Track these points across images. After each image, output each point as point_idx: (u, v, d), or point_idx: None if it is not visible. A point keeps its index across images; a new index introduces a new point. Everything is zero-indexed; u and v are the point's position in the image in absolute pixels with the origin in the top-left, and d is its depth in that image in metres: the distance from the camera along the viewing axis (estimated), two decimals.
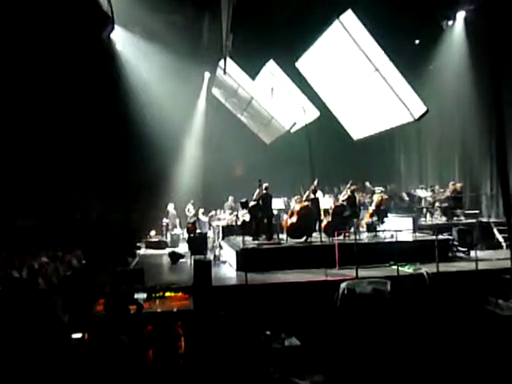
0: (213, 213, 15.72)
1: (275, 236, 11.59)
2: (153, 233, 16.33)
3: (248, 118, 19.59)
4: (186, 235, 13.96)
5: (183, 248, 13.56)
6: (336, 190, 15.36)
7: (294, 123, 17.18)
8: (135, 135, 15.77)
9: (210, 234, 13.77)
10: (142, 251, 14.39)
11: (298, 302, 8.41)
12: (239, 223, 12.83)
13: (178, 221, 16.56)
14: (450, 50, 14.26)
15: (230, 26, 11.12)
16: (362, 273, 9.22)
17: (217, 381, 6.07)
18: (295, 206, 11.83)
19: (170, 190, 17.93)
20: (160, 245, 14.83)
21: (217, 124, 18.84)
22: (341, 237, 11.08)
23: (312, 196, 11.73)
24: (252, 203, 11.58)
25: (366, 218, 12.43)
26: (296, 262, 10.21)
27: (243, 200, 11.74)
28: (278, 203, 12.81)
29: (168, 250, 13.11)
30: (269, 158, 18.08)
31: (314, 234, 11.70)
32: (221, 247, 12.53)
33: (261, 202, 11.48)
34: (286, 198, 14.47)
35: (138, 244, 14.70)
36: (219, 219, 14.76)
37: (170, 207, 16.42)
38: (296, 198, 12.95)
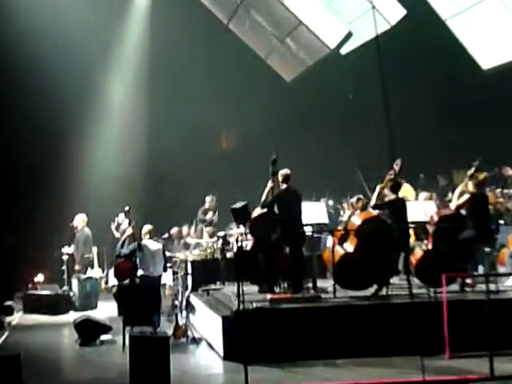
0: (174, 231, 15.69)
1: (308, 284, 10.67)
2: (40, 277, 15.81)
3: (245, 27, 18.86)
4: (112, 281, 13.73)
5: (107, 310, 13.37)
6: (441, 181, 15.32)
7: (349, 35, 17.24)
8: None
9: (167, 278, 13.10)
10: (17, 317, 13.55)
11: None
12: (229, 255, 12.58)
13: (94, 250, 15.26)
14: None
15: None
16: (506, 367, 8.23)
17: None
18: (354, 219, 11.14)
19: (78, 190, 17.55)
20: (56, 303, 13.86)
21: (176, 42, 17.77)
22: (455, 286, 10.29)
23: (389, 195, 10.65)
24: (257, 211, 10.80)
25: (510, 245, 11.38)
26: (352, 340, 9.20)
27: (237, 205, 10.42)
28: (313, 211, 11.47)
29: (74, 316, 12.05)
30: (290, 112, 17.72)
31: (394, 280, 10.98)
32: (190, 308, 11.55)
33: (276, 208, 10.39)
34: (329, 201, 14.81)
35: (8, 303, 13.66)
36: (186, 247, 14.87)
37: (79, 222, 14.72)
38: (354, 199, 12.16)
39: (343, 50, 17.98)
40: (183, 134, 18.13)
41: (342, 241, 10.96)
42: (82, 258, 14.82)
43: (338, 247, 10.81)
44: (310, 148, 16.50)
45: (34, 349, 10.50)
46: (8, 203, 17.51)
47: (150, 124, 18.75)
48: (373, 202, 10.87)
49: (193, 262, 13.15)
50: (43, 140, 17.16)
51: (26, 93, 16.56)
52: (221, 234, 13.81)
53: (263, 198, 10.69)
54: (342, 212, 14.92)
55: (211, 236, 14.73)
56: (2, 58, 16.45)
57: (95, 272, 15.28)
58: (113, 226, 16.40)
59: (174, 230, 15.82)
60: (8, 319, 13.03)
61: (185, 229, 16.16)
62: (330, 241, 12.49)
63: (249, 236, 11.87)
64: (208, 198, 15.66)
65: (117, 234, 16.09)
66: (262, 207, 10.74)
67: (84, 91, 17.79)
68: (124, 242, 13.14)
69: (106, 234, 16.39)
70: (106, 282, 15.74)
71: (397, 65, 16.22)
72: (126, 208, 12.31)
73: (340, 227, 12.58)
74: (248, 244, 11.97)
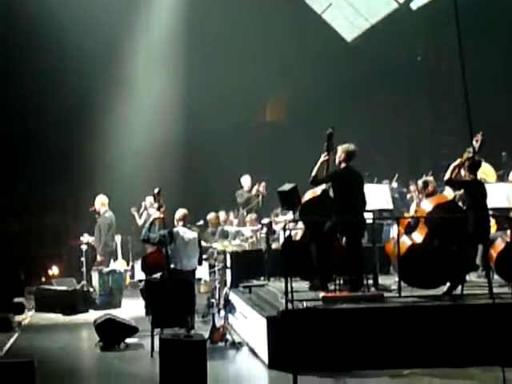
0: (210, 217, 15.78)
1: (368, 280, 10.60)
2: (55, 270, 16.36)
3: None
4: (139, 275, 13.96)
5: (132, 309, 13.64)
6: None
7: None
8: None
9: (203, 272, 13.18)
10: (29, 317, 13.66)
11: None
12: (275, 246, 12.97)
13: (118, 239, 15.66)
14: None
15: None
16: None
17: None
18: (423, 204, 11.07)
19: (101, 170, 18.25)
20: (74, 300, 14.02)
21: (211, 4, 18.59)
22: None
23: (466, 176, 10.59)
24: (309, 194, 10.85)
25: None
26: (420, 347, 9.18)
27: (285, 187, 11.05)
28: (375, 195, 11.55)
29: (94, 316, 12.20)
30: (349, 78, 18.15)
31: (471, 277, 11.14)
32: (229, 307, 11.60)
33: (332, 190, 10.48)
34: (394, 183, 14.71)
35: (18, 299, 13.87)
36: (224, 236, 14.97)
37: (99, 204, 15.00)
38: (420, 182, 12.07)
39: (414, 5, 18.07)
40: (223, 106, 18.59)
41: (409, 230, 10.96)
42: (104, 248, 14.78)
43: (404, 237, 10.78)
44: (372, 119, 17.01)
45: (48, 354, 10.60)
46: (12, 183, 18.11)
47: (184, 96, 19.07)
48: (447, 176, 10.65)
49: (232, 254, 13.10)
50: (65, 116, 17.78)
51: (49, 65, 17.20)
52: (265, 221, 13.84)
53: (313, 172, 10.64)
54: (408, 196, 14.85)
55: (254, 223, 14.77)
56: (29, 30, 17.16)
57: (119, 264, 15.46)
58: (134, 210, 16.98)
59: (211, 216, 15.85)
60: (18, 319, 13.06)
61: (223, 214, 16.52)
62: (394, 230, 12.53)
63: (298, 223, 11.88)
64: (245, 179, 15.69)
65: (139, 221, 16.84)
66: (312, 182, 10.66)
67: (109, 61, 18.33)
68: (151, 226, 12.95)
69: (132, 221, 16.98)
70: (132, 277, 15.81)
71: (477, 24, 16.02)
72: (156, 190, 12.18)
73: (407, 214, 12.37)
74: (297, 233, 11.81)
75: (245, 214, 15.62)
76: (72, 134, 18.67)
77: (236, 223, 16.14)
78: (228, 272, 12.96)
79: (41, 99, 18.21)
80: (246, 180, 15.79)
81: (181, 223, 12.56)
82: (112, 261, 15.40)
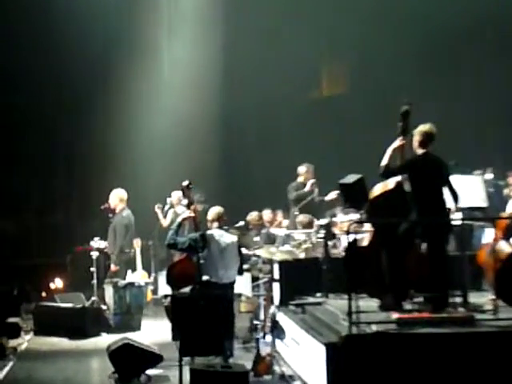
0: (252, 218, 15.68)
1: (454, 298, 10.50)
2: (59, 282, 16.68)
3: None
4: (163, 290, 13.03)
5: (155, 332, 13.72)
6: None
7: None
8: None
9: (243, 286, 12.63)
10: (26, 341, 13.63)
11: None
12: (335, 253, 12.89)
13: (137, 244, 15.70)
14: None
15: None
16: None
17: None
18: None
19: (118, 162, 18.69)
20: (82, 321, 14.02)
21: None
22: None
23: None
24: (378, 188, 10.70)
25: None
26: None
27: (348, 179, 11.06)
28: (465, 189, 11.33)
29: (107, 340, 12.33)
30: (428, 39, 18.54)
31: None
32: (277, 331, 11.61)
33: (408, 183, 10.41)
34: (488, 174, 14.96)
35: (13, 319, 13.86)
36: (271, 240, 15.03)
37: (115, 200, 15.14)
38: None
39: None
40: (269, 79, 18.93)
41: (508, 234, 10.70)
42: (120, 255, 14.79)
43: (501, 243, 10.61)
44: (460, 92, 17.11)
45: None
46: (5, 175, 18.50)
47: (221, 68, 19.50)
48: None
49: (281, 264, 12.91)
50: (70, 94, 18.45)
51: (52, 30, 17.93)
52: (323, 221, 13.68)
53: (384, 160, 10.51)
54: (505, 191, 15.03)
55: (309, 225, 14.45)
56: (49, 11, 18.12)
57: (139, 276, 15.37)
58: (158, 208, 16.91)
59: (253, 217, 15.78)
60: (13, 343, 13.05)
61: (268, 214, 16.28)
62: (489, 234, 12.29)
63: (365, 225, 11.88)
64: (302, 169, 15.59)
65: (164, 221, 16.86)
66: (383, 174, 10.55)
67: (124, 25, 18.97)
68: (179, 227, 12.92)
69: (155, 222, 16.93)
70: (155, 291, 15.64)
71: None
72: (185, 183, 11.91)
73: (504, 213, 12.26)
74: (364, 237, 11.76)
75: (297, 213, 15.25)
76: (79, 115, 18.83)
77: (286, 224, 15.94)
78: (276, 286, 12.82)
79: (42, 72, 18.69)
80: (303, 169, 15.67)
81: (216, 224, 12.23)
82: (130, 271, 15.31)
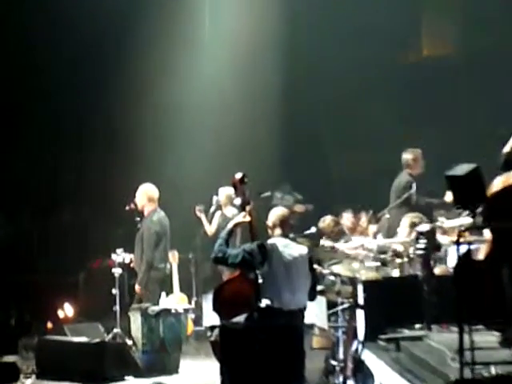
0: (326, 224, 15.62)
1: None
2: (68, 309, 16.93)
3: None
4: (209, 319, 13.01)
5: (198, 375, 14.06)
6: None
7: None
8: None
9: (316, 314, 12.61)
10: None
11: None
12: (439, 270, 13.07)
13: (174, 257, 16.07)
14: None
15: None
16: None
17: None
18: None
19: (142, 144, 19.68)
20: (100, 361, 14.05)
21: None
22: None
23: None
24: (499, 183, 10.79)
25: None
26: None
27: (458, 170, 10.92)
28: None
29: None
30: None
31: None
32: (363, 374, 11.89)
33: None
34: None
35: (9, 358, 14.32)
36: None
37: (143, 199, 15.36)
38: None
39: None
40: (352, 39, 19.78)
41: None
42: (150, 272, 14.90)
43: None
44: None
45: None
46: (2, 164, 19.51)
47: (285, 30, 20.35)
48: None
49: (368, 284, 12.85)
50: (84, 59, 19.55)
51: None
52: (424, 227, 13.50)
53: (508, 146, 10.74)
54: None
55: (408, 232, 14.25)
56: None
57: (176, 300, 15.76)
58: (200, 210, 17.11)
59: (328, 222, 15.58)
60: None
61: (349, 217, 16.60)
62: None
63: (482, 232, 11.56)
64: (408, 156, 15.71)
65: (209, 227, 17.20)
66: (506, 164, 10.67)
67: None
68: (230, 235, 12.95)
69: (197, 229, 17.40)
70: (197, 321, 15.91)
71: None
72: (238, 175, 11.69)
73: None
74: (480, 248, 11.45)
75: (388, 215, 15.34)
76: (93, 89, 19.28)
77: (373, 231, 15.83)
78: (360, 314, 12.60)
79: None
80: (410, 156, 15.68)
81: (279, 231, 12.11)
82: (164, 294, 15.04)
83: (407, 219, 14.28)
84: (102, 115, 19.95)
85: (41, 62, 19.61)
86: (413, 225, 14.07)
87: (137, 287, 14.80)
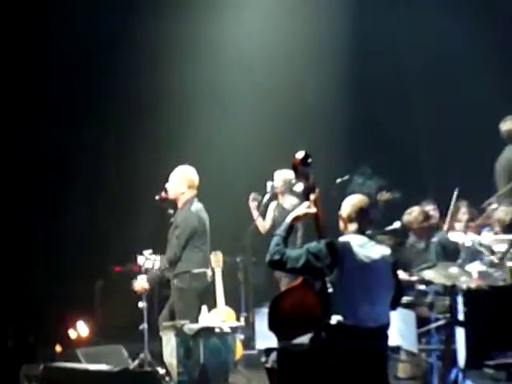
0: (413, 217, 16.05)
1: None
2: (82, 327, 17.35)
3: None
4: (263, 341, 13.72)
5: None
6: None
7: None
8: None
9: (403, 329, 13.15)
10: None
11: None
12: None
13: (216, 262, 15.95)
14: None
15: None
16: None
17: None
18: None
19: (177, 121, 20.41)
20: None
21: None
22: None
23: None
24: None
25: None
26: None
27: None
28: None
29: None
30: None
31: None
32: None
33: None
34: None
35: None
36: (450, 252, 15.40)
37: (177, 185, 15.44)
38: None
39: None
40: None
41: None
42: (186, 279, 14.92)
43: None
44: None
45: None
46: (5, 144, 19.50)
47: None
48: None
49: (469, 295, 12.91)
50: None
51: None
52: None
53: None
54: None
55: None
56: None
57: (220, 316, 15.54)
58: (253, 201, 17.45)
59: (415, 214, 15.83)
60: None
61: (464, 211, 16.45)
62: None
63: None
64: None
65: (263, 223, 17.63)
66: None
67: None
68: (290, 232, 12.74)
69: (247, 224, 17.62)
70: (248, 342, 16.42)
71: None
72: (300, 155, 11.15)
73: None
74: None
75: (495, 205, 15.18)
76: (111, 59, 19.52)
77: (475, 225, 15.48)
78: (460, 334, 12.74)
79: None
80: None
81: (354, 226, 11.89)
82: (205, 308, 14.92)
83: (499, 215, 14.65)
84: (132, 90, 19.92)
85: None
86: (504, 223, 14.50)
87: (140, 283, 14.47)
